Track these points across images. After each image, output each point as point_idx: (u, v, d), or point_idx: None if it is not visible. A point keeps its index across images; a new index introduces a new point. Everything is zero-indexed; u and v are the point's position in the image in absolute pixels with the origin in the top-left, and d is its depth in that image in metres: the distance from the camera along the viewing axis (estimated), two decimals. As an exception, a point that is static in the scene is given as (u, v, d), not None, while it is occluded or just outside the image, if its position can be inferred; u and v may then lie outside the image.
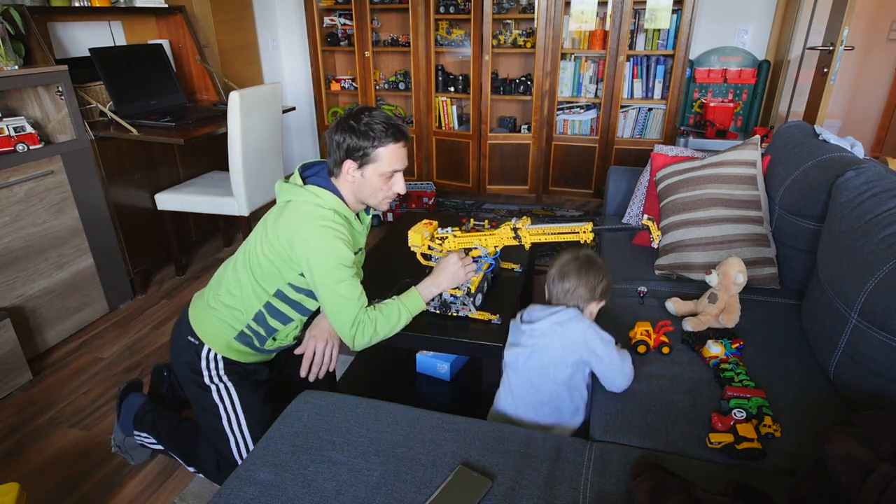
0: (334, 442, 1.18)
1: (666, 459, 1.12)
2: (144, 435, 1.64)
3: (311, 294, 1.50)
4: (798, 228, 1.73)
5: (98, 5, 2.64)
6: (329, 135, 1.42)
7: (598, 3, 3.40)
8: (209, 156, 3.11)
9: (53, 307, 2.27)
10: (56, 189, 2.23)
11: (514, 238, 1.42)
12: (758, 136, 2.03)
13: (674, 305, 1.65)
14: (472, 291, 1.50)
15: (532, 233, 1.39)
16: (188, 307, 1.58)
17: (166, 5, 3.03)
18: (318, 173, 1.49)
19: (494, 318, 1.49)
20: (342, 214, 1.44)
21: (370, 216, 1.62)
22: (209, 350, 1.51)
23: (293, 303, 1.51)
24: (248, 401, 1.53)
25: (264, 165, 2.67)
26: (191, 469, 1.61)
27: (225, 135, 2.49)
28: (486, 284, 1.61)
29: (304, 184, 1.45)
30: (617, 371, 1.32)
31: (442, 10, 3.62)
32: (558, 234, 1.36)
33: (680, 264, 1.85)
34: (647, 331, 1.46)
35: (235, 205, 2.61)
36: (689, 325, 1.55)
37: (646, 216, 1.39)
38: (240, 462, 1.51)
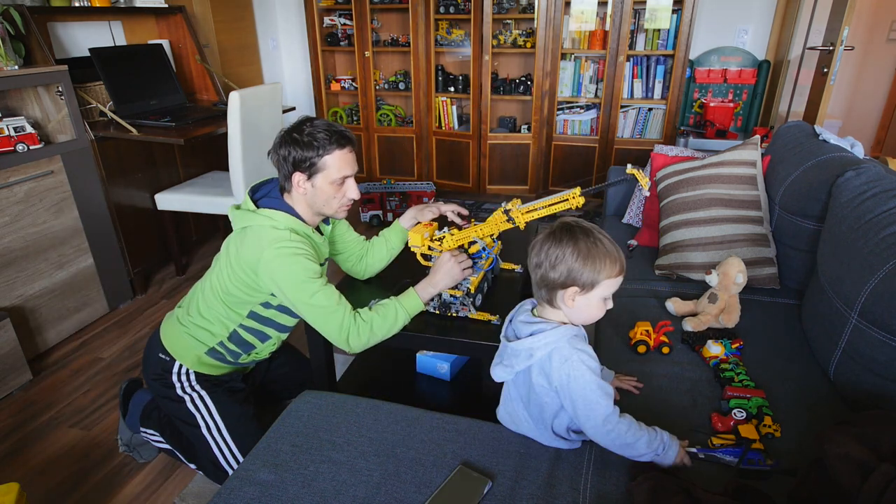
0: (334, 442, 1.18)
1: (666, 459, 1.12)
2: (150, 431, 1.65)
3: (282, 309, 1.51)
4: (798, 228, 1.73)
5: (98, 5, 2.64)
6: (274, 151, 1.41)
7: (598, 3, 3.40)
8: (209, 156, 3.11)
9: (53, 307, 2.27)
10: (56, 189, 2.23)
11: (508, 221, 1.41)
12: (758, 136, 2.03)
13: (674, 305, 1.65)
14: (472, 292, 1.50)
15: (524, 212, 1.38)
16: (159, 327, 1.59)
17: (166, 5, 3.04)
18: (270, 193, 1.49)
19: (494, 319, 1.49)
20: (299, 232, 1.42)
21: (330, 227, 1.62)
22: (180, 366, 1.52)
23: (266, 320, 1.53)
24: (224, 406, 1.54)
25: (264, 166, 2.67)
26: (192, 466, 1.62)
27: (225, 135, 2.49)
28: (486, 285, 1.61)
29: (257, 206, 1.44)
30: (598, 427, 1.05)
31: (442, 10, 3.62)
32: (549, 206, 1.34)
33: (680, 264, 1.85)
34: (647, 330, 1.47)
35: (235, 205, 2.61)
36: (689, 325, 1.55)
37: (629, 165, 1.35)
38: (227, 467, 1.52)
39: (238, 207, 1.46)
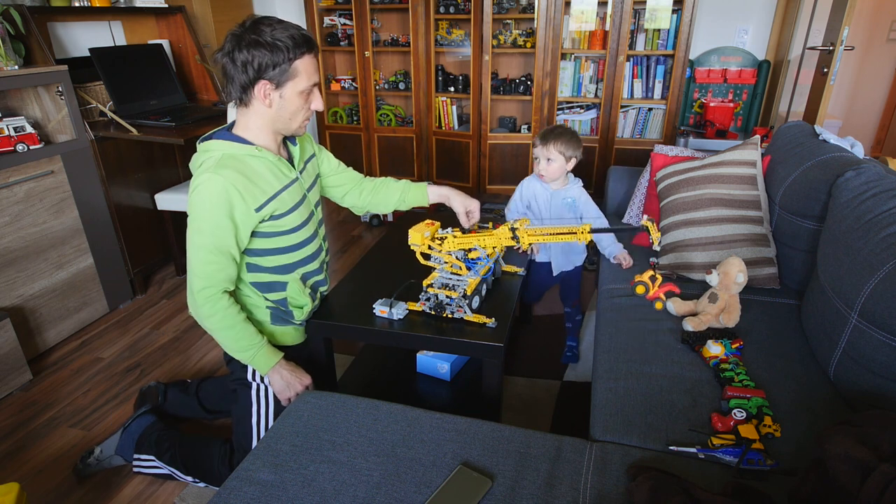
0: (334, 442, 1.18)
1: (666, 460, 1.12)
2: (145, 458, 1.61)
3: (264, 252, 1.41)
4: (798, 228, 1.73)
5: (98, 5, 2.64)
6: (226, 56, 1.22)
7: (598, 3, 3.40)
8: (209, 156, 3.11)
9: (53, 307, 2.27)
10: (56, 189, 2.23)
11: (513, 238, 1.42)
12: (758, 136, 2.03)
13: (674, 305, 1.65)
14: (469, 294, 1.49)
15: (530, 233, 1.39)
16: None
17: (166, 5, 3.03)
18: (215, 135, 1.36)
19: (489, 322, 1.47)
20: (235, 157, 1.28)
21: (307, 145, 1.52)
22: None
23: (262, 269, 1.44)
24: (280, 409, 1.54)
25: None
26: (188, 479, 1.58)
27: (225, 135, 2.49)
28: (485, 287, 1.60)
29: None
30: None
31: (442, 10, 3.62)
32: (556, 234, 1.36)
33: (680, 264, 1.85)
34: (655, 276, 1.49)
35: (235, 205, 2.61)
36: (689, 325, 1.55)
37: (645, 217, 1.40)
38: None
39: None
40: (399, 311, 1.50)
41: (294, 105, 1.30)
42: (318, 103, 1.34)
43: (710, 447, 1.14)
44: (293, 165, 1.46)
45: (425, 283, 1.53)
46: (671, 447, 1.16)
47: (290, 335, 1.56)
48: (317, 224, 1.55)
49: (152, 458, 1.61)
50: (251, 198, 1.29)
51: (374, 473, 1.10)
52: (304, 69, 1.27)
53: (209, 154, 1.30)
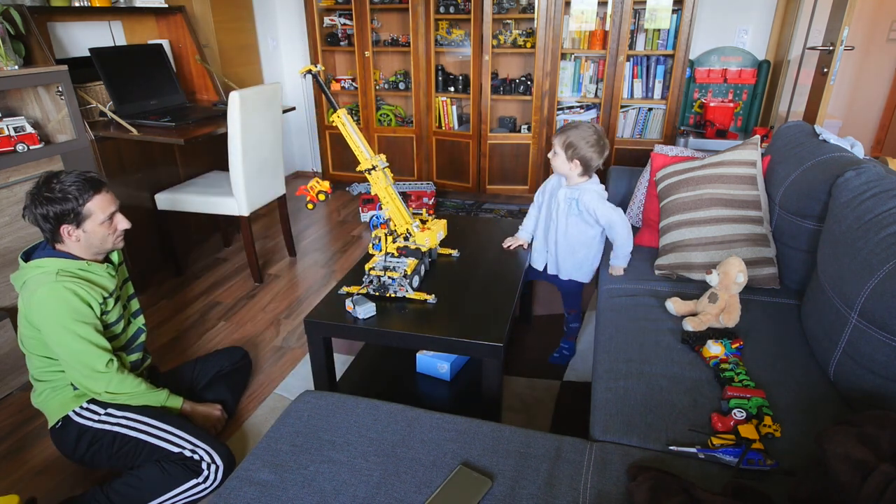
0: (334, 442, 1.18)
1: (666, 460, 1.12)
2: None
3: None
4: (798, 228, 1.73)
5: (98, 5, 2.64)
6: (30, 213, 1.45)
7: (598, 3, 3.40)
8: (209, 156, 3.11)
9: (53, 307, 2.27)
10: (56, 189, 2.23)
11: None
12: (758, 136, 2.03)
13: (674, 305, 1.65)
14: (409, 274, 1.62)
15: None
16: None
17: (166, 5, 3.04)
18: (41, 247, 1.53)
19: (430, 298, 1.60)
20: (70, 270, 1.47)
21: (116, 255, 1.67)
22: (75, 413, 1.52)
23: None
24: (142, 410, 1.54)
25: (264, 165, 2.67)
26: None
27: (225, 135, 2.49)
28: (423, 268, 1.74)
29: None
30: None
31: (442, 10, 3.63)
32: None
33: (680, 264, 1.85)
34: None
35: (235, 205, 2.61)
36: (689, 325, 1.55)
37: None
38: (192, 454, 1.49)
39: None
40: (365, 310, 1.55)
41: (99, 234, 1.51)
42: (123, 224, 1.56)
43: (710, 447, 1.14)
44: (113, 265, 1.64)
45: (367, 266, 1.66)
46: (671, 447, 1.16)
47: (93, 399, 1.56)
48: (130, 314, 1.70)
49: None
50: (93, 298, 1.47)
51: (374, 473, 1.10)
52: (97, 207, 1.48)
53: (42, 269, 1.45)
